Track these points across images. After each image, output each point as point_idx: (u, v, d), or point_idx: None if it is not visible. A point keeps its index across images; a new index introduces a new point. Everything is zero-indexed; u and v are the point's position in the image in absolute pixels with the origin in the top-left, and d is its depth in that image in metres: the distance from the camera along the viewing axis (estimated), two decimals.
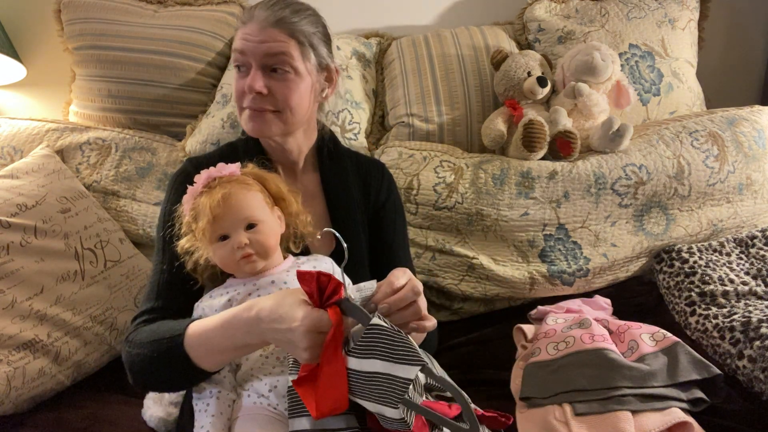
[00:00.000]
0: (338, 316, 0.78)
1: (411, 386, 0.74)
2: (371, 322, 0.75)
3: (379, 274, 1.17)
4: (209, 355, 0.88)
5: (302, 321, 0.77)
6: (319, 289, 0.79)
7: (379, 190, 1.24)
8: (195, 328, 0.90)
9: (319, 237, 0.88)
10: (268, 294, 0.94)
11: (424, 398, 0.81)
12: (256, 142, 1.18)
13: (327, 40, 1.14)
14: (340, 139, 1.48)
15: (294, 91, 1.08)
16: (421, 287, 0.86)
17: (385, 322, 0.75)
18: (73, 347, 1.28)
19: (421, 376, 0.84)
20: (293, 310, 0.79)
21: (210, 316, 0.95)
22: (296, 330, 0.78)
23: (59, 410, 1.20)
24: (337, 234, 0.83)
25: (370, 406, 0.75)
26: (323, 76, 1.15)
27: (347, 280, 0.85)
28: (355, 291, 0.80)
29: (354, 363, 0.75)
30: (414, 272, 1.24)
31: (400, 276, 0.85)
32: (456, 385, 0.77)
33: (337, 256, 1.08)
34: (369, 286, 0.83)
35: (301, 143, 1.18)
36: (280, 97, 1.07)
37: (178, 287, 1.03)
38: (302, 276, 0.79)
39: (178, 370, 0.90)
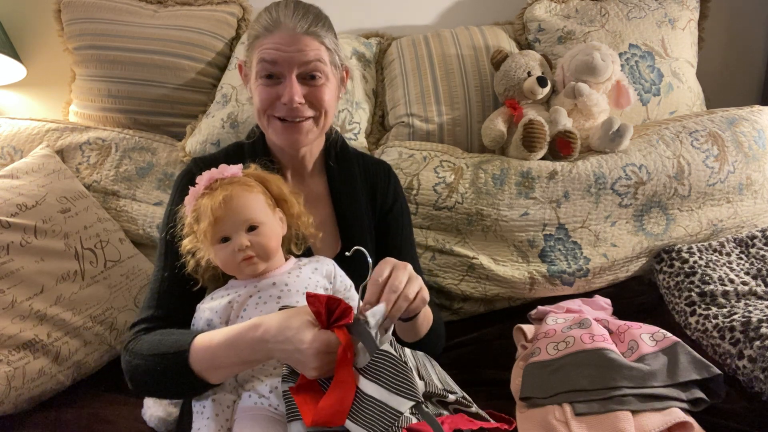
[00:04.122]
0: (347, 336, 0.78)
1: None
2: (381, 348, 0.75)
3: None
4: (215, 370, 0.89)
5: (311, 344, 0.78)
6: (327, 310, 0.79)
7: (386, 194, 1.24)
8: (200, 343, 0.89)
9: (348, 255, 0.88)
10: (269, 296, 0.94)
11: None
12: (263, 144, 1.17)
13: (337, 40, 1.15)
14: None
15: (327, 96, 1.08)
16: (402, 278, 0.86)
17: (395, 350, 0.76)
18: (73, 347, 1.28)
19: (420, 385, 0.84)
20: (301, 332, 0.80)
21: (212, 317, 0.95)
22: (305, 352, 0.79)
23: (59, 410, 1.20)
24: (365, 251, 0.83)
25: (357, 431, 0.75)
26: (340, 77, 1.15)
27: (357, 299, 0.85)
28: (370, 316, 0.80)
29: (362, 382, 0.76)
30: (421, 273, 1.24)
31: (385, 269, 0.86)
32: (438, 423, 0.77)
33: (341, 260, 1.08)
34: (379, 309, 0.83)
35: (314, 148, 1.18)
36: (317, 103, 1.07)
37: (178, 295, 1.02)
38: (310, 298, 0.80)
39: (184, 384, 0.90)
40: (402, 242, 1.23)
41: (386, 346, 0.76)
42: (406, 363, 0.75)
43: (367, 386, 0.76)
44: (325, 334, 0.79)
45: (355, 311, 0.81)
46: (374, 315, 0.80)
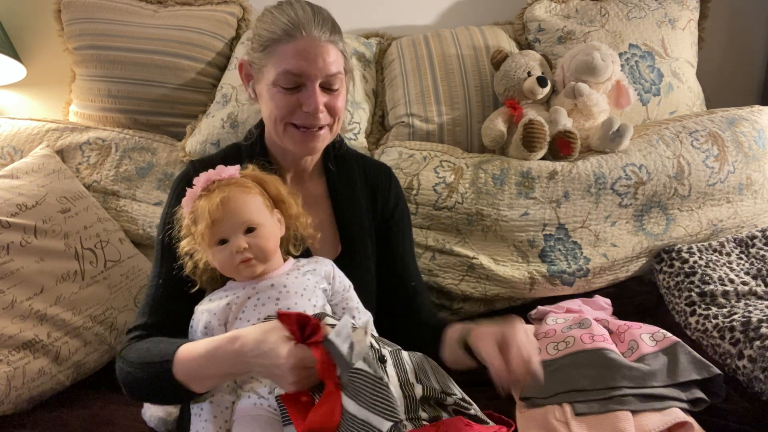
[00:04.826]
0: (323, 352, 0.77)
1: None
2: (354, 367, 0.75)
3: (391, 283, 1.18)
4: (199, 380, 0.89)
5: (287, 359, 0.78)
6: (300, 327, 0.79)
7: (387, 197, 1.22)
8: (182, 354, 0.89)
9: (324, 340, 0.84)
10: (268, 297, 0.94)
11: (420, 413, 0.80)
12: (261, 146, 1.16)
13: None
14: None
15: (342, 102, 1.08)
16: (529, 349, 0.86)
17: (368, 367, 0.75)
18: (73, 347, 1.28)
19: (418, 389, 0.83)
20: (278, 347, 0.80)
21: (210, 319, 0.95)
22: (282, 367, 0.79)
23: (59, 410, 1.20)
24: (333, 336, 0.79)
25: None
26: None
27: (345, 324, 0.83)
28: (334, 336, 0.78)
29: (344, 399, 0.76)
30: (419, 274, 1.23)
31: (522, 340, 0.86)
32: None
33: (342, 261, 1.08)
34: (344, 327, 0.79)
35: None
36: (334, 111, 1.07)
37: (173, 302, 1.02)
38: (282, 316, 0.80)
39: (171, 392, 0.91)
40: (404, 247, 1.23)
41: (360, 364, 0.75)
42: (381, 378, 0.74)
43: (349, 404, 0.75)
44: (300, 350, 0.79)
45: (352, 321, 0.79)
46: (338, 334, 0.78)
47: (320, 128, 1.06)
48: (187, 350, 0.89)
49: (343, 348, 0.77)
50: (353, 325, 0.82)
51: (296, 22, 1.02)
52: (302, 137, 1.06)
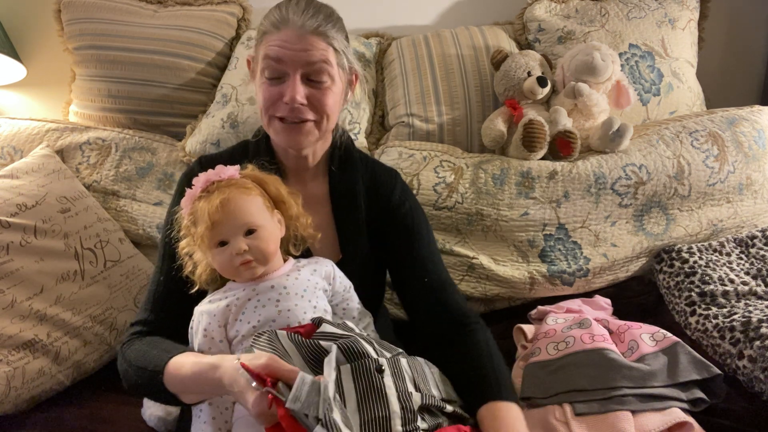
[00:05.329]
0: (281, 410, 0.75)
1: None
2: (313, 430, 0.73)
3: (407, 281, 1.14)
4: (187, 395, 0.89)
5: (252, 406, 0.77)
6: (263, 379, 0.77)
7: (389, 198, 1.18)
8: (172, 368, 0.89)
9: None
10: (268, 299, 0.93)
11: (419, 423, 0.80)
12: (267, 144, 1.15)
13: (349, 43, 1.11)
14: None
15: (331, 99, 1.05)
16: None
17: (330, 428, 0.73)
18: (73, 347, 1.28)
19: (417, 397, 0.83)
20: (246, 392, 0.79)
21: (210, 321, 0.94)
22: (250, 411, 0.79)
23: (59, 410, 1.20)
24: (290, 403, 0.74)
25: None
26: (347, 81, 1.11)
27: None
28: (292, 403, 0.74)
29: None
30: (440, 271, 1.15)
31: None
32: None
33: (342, 262, 1.08)
34: (300, 382, 0.76)
35: (317, 149, 1.15)
36: (319, 106, 1.04)
37: (174, 300, 1.02)
38: (243, 366, 0.78)
39: (164, 398, 0.92)
40: (414, 244, 1.16)
41: (318, 430, 0.74)
42: None
43: None
44: (265, 405, 0.76)
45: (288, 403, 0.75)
46: (296, 399, 0.74)
47: (303, 122, 1.04)
48: (176, 366, 0.89)
49: (303, 411, 0.74)
50: (316, 371, 0.79)
51: (284, 15, 1.02)
52: (284, 129, 1.05)
